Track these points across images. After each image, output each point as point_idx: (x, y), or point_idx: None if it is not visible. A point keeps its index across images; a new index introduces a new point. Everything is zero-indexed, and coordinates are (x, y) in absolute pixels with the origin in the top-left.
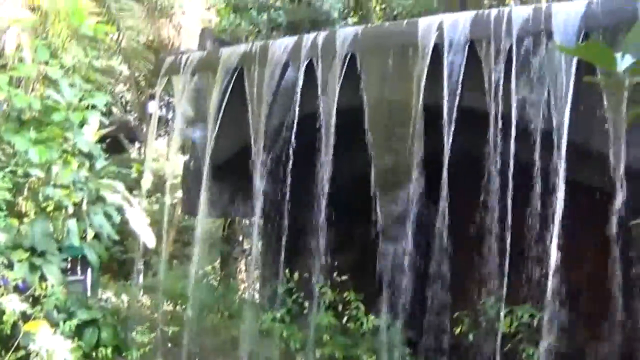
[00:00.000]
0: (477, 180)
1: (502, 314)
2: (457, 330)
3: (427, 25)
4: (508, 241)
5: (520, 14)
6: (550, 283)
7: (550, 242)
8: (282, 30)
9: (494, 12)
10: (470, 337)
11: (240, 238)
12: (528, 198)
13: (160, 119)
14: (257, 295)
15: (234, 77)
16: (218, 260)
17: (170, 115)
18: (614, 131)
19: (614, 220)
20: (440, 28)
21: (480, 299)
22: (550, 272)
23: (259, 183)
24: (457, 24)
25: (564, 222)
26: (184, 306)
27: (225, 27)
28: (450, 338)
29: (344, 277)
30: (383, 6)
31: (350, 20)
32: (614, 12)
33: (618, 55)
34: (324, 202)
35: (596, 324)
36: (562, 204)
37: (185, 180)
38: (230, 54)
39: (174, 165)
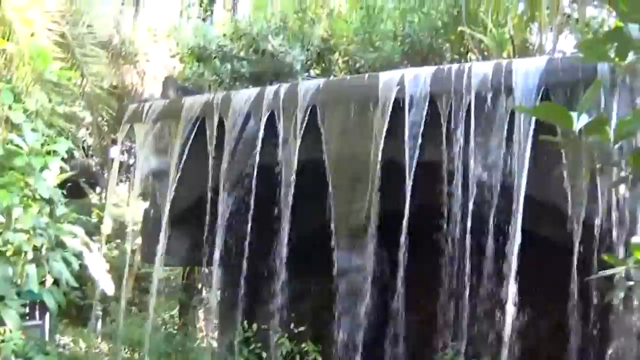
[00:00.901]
0: (436, 234)
1: None
2: None
3: (388, 80)
4: (467, 293)
5: (481, 69)
6: (507, 337)
7: (507, 296)
8: (245, 80)
9: (454, 67)
10: None
11: (200, 286)
12: (486, 251)
13: (121, 164)
14: (215, 344)
15: (195, 127)
16: (177, 308)
17: (132, 161)
18: (572, 188)
19: (573, 274)
20: (401, 82)
21: (440, 351)
22: (507, 327)
23: (219, 232)
24: (418, 79)
25: (521, 275)
26: (142, 354)
27: (188, 75)
28: None
29: (302, 328)
30: (346, 59)
31: (313, 72)
32: (574, 69)
33: (575, 114)
34: (283, 253)
35: None
36: (517, 259)
37: (145, 228)
38: (192, 104)
39: (135, 211)
